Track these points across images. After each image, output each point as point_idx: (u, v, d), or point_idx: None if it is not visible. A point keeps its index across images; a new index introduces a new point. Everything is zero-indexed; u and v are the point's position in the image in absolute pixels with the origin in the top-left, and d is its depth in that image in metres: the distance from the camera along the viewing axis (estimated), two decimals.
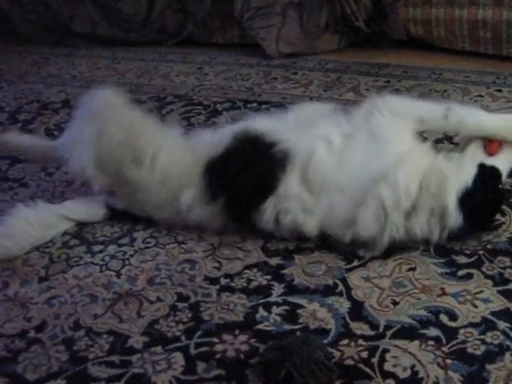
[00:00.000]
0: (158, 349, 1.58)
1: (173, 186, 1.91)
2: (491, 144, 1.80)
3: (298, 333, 1.56)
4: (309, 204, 1.79)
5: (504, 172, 1.80)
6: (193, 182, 1.89)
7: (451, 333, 1.50)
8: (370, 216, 1.72)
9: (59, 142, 2.10)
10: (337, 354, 1.48)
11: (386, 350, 1.48)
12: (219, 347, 1.55)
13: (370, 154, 1.79)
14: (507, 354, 1.42)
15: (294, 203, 1.80)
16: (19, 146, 2.29)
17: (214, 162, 1.88)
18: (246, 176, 1.83)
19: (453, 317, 1.54)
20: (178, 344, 1.58)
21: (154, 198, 1.94)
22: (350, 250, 1.79)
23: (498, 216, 1.82)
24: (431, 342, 1.48)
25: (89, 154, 1.92)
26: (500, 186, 1.80)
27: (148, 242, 1.96)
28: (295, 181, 1.80)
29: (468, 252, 1.74)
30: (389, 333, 1.52)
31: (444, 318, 1.54)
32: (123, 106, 1.98)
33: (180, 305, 1.70)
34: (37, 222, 2.00)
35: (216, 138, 1.95)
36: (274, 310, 1.64)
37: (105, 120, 1.92)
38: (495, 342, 1.46)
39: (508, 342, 1.45)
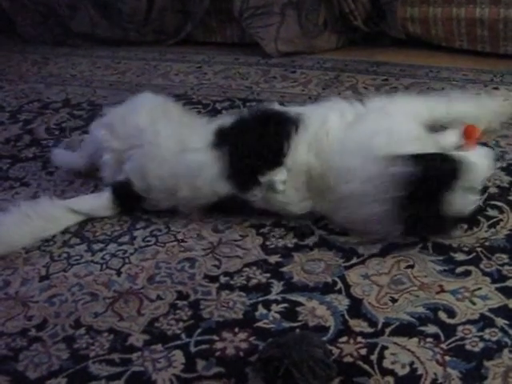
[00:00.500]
0: (158, 347, 1.57)
1: (184, 135, 1.99)
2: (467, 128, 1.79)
3: (297, 330, 1.55)
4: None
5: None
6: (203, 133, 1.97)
7: (450, 330, 1.49)
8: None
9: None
10: (336, 351, 1.48)
11: (384, 347, 1.47)
12: (219, 345, 1.55)
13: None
14: (505, 351, 1.42)
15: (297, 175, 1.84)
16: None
17: (223, 127, 1.95)
18: (252, 141, 1.87)
19: (451, 314, 1.53)
20: (178, 342, 1.58)
21: (166, 145, 1.99)
22: (349, 248, 1.79)
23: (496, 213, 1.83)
24: (430, 339, 1.47)
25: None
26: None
27: (148, 241, 1.96)
28: (305, 149, 1.82)
29: (466, 249, 1.73)
30: (387, 330, 1.52)
31: (442, 315, 1.53)
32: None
33: (180, 303, 1.70)
34: (36, 214, 2.00)
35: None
36: (274, 307, 1.64)
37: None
38: (493, 339, 1.45)
39: (506, 339, 1.44)
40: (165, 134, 1.98)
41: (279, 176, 1.84)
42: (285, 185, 1.84)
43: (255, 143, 1.86)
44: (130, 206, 2.06)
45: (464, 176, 1.66)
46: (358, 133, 1.80)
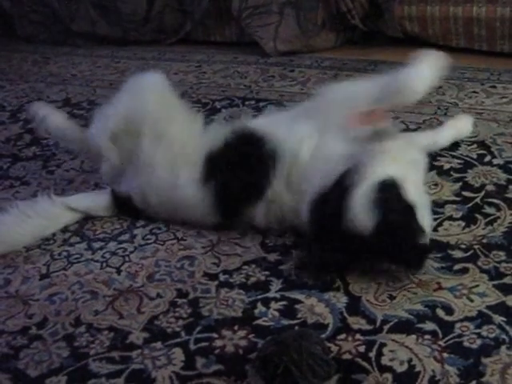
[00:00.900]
0: (158, 344, 1.57)
1: (177, 164, 1.92)
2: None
3: (296, 328, 1.55)
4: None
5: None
6: (194, 162, 1.90)
7: (447, 327, 1.49)
8: None
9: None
10: (334, 348, 1.48)
11: (383, 345, 1.47)
12: (218, 342, 1.55)
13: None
14: (503, 348, 1.41)
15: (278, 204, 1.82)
16: (61, 128, 2.26)
17: (212, 155, 1.90)
18: (236, 178, 1.84)
19: (449, 311, 1.53)
20: (178, 340, 1.57)
21: (160, 174, 1.95)
22: None
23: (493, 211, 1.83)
24: (428, 336, 1.47)
25: (111, 124, 1.98)
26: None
27: (148, 239, 1.96)
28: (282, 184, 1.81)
29: (464, 247, 1.73)
30: (386, 327, 1.51)
31: (440, 313, 1.53)
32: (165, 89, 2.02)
33: (179, 301, 1.69)
34: (35, 213, 2.00)
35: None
36: (273, 305, 1.63)
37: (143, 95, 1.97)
38: (491, 336, 1.45)
39: (504, 336, 1.44)
40: (159, 160, 1.94)
41: (259, 209, 1.85)
42: (266, 216, 1.85)
43: (238, 180, 1.85)
44: (128, 214, 2.07)
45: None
46: (321, 162, 1.79)
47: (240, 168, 1.85)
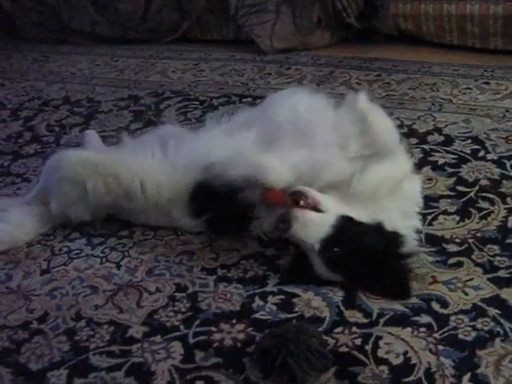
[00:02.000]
0: (158, 338, 1.56)
1: (165, 203, 1.90)
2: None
3: (294, 321, 1.55)
4: None
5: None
6: (181, 197, 1.87)
7: (442, 320, 1.49)
8: None
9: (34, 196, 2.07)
10: (331, 341, 1.47)
11: (379, 337, 1.47)
12: (217, 336, 1.54)
13: None
14: (497, 340, 1.41)
15: None
16: None
17: (195, 194, 1.86)
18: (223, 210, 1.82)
19: (444, 304, 1.53)
20: (177, 333, 1.57)
21: (151, 215, 1.95)
22: None
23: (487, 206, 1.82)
24: (423, 329, 1.47)
25: (84, 210, 1.95)
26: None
27: (147, 234, 1.95)
28: None
29: (458, 240, 1.73)
30: (382, 320, 1.51)
31: (435, 306, 1.53)
32: (92, 159, 1.93)
33: (178, 295, 1.69)
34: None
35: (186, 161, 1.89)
36: (270, 299, 1.63)
37: (82, 179, 1.90)
38: (485, 328, 1.45)
39: (498, 328, 1.44)
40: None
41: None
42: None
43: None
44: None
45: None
46: None
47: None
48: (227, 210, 1.78)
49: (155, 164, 1.92)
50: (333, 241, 1.57)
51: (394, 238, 1.61)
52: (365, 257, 1.56)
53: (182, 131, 2.15)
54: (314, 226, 1.58)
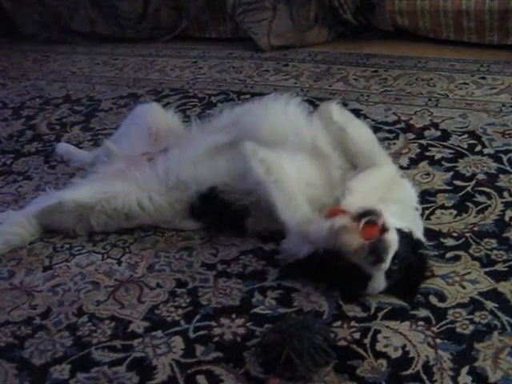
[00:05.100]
0: (159, 333, 1.56)
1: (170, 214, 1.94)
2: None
3: (293, 315, 1.54)
4: None
5: None
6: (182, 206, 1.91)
7: (440, 313, 1.48)
8: None
9: None
10: (330, 335, 1.47)
11: (377, 331, 1.46)
12: (217, 331, 1.54)
13: None
14: (495, 333, 1.41)
15: None
16: None
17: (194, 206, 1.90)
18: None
19: (442, 298, 1.52)
20: (178, 328, 1.57)
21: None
22: None
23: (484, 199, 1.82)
24: (421, 323, 1.47)
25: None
26: None
27: (147, 231, 1.94)
28: None
29: (455, 235, 1.72)
30: (380, 314, 1.51)
31: (433, 299, 1.52)
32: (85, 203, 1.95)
33: (179, 290, 1.69)
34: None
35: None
36: (270, 293, 1.63)
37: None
38: (483, 322, 1.44)
39: (496, 322, 1.44)
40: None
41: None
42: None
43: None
44: None
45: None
46: None
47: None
48: (228, 214, 1.82)
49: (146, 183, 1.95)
50: (395, 256, 1.51)
51: (420, 246, 1.62)
52: (408, 266, 1.55)
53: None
54: (394, 247, 1.51)
